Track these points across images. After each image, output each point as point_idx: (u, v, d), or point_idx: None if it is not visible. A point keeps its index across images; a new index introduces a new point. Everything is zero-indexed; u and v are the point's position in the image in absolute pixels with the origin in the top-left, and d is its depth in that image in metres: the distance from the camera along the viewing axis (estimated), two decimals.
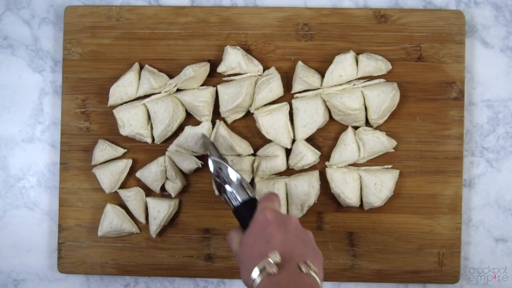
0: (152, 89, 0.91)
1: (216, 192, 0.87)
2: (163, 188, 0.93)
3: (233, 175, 0.81)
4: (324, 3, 0.96)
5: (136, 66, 0.93)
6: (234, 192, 0.79)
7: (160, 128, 0.90)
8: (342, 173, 0.90)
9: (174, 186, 0.91)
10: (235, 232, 0.75)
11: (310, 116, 0.90)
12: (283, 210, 0.91)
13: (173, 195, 0.92)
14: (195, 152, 0.91)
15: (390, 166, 0.92)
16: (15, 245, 0.97)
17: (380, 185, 0.89)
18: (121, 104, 0.92)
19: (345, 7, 0.95)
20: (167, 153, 0.92)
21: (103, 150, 0.92)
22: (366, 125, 0.92)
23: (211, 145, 0.87)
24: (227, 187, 0.80)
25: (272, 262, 0.66)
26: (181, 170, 0.92)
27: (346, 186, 0.89)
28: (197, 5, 0.96)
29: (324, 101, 0.90)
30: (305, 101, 0.90)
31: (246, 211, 0.77)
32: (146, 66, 0.93)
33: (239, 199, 0.79)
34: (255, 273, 0.66)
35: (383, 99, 0.89)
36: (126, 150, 0.94)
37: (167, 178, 0.92)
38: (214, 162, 0.83)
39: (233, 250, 0.74)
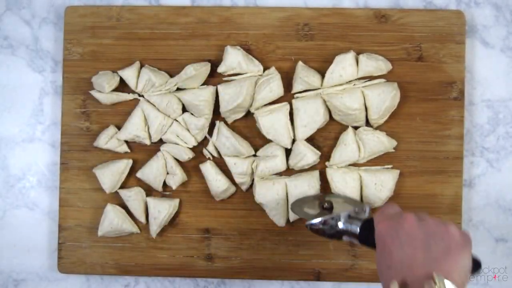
0: (153, 87, 0.91)
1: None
2: (164, 186, 0.93)
3: (339, 215, 0.79)
4: (325, 3, 0.96)
5: (137, 63, 0.93)
6: (348, 224, 0.77)
7: (155, 123, 0.91)
8: (342, 173, 0.90)
9: (174, 178, 0.92)
10: None
11: (310, 116, 0.90)
12: (283, 210, 0.91)
13: (174, 187, 0.92)
14: (187, 143, 0.92)
15: (390, 166, 0.92)
16: (15, 245, 0.97)
17: (380, 185, 0.89)
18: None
19: (345, 7, 0.95)
20: (162, 148, 0.92)
21: (110, 136, 0.92)
22: (366, 125, 0.92)
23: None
24: (340, 224, 0.78)
25: None
26: (179, 163, 0.93)
27: (346, 186, 0.89)
28: (198, 5, 0.96)
29: (324, 101, 0.90)
30: (306, 101, 0.90)
31: (370, 235, 0.71)
32: (146, 65, 0.93)
33: (356, 227, 0.76)
34: None
35: (384, 99, 0.89)
36: (128, 150, 0.94)
37: (167, 174, 0.92)
38: (322, 220, 0.80)
39: None
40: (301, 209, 0.86)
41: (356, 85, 0.90)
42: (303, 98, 0.91)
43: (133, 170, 0.94)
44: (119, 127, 0.93)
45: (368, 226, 0.74)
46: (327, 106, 0.91)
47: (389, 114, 0.91)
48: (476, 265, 0.68)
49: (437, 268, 0.60)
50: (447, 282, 0.59)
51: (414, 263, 0.62)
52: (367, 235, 0.74)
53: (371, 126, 0.92)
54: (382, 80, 0.91)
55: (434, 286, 0.58)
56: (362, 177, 0.90)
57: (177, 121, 0.92)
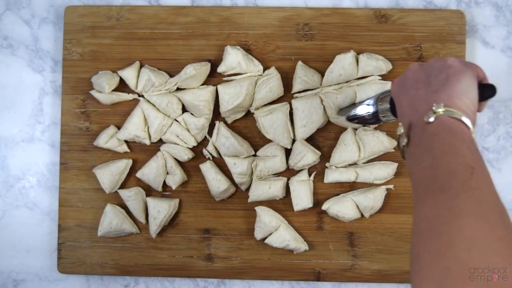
0: (153, 86, 0.91)
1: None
2: (164, 186, 0.93)
3: (367, 101, 0.83)
4: (325, 3, 0.96)
5: (137, 63, 0.93)
6: (377, 104, 0.80)
7: (155, 123, 0.91)
8: (339, 173, 0.90)
9: (174, 178, 0.92)
10: None
11: (310, 116, 0.90)
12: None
13: (173, 187, 0.92)
14: (187, 144, 0.92)
15: None
16: (15, 245, 0.97)
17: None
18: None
19: (345, 7, 0.95)
20: (161, 148, 0.93)
21: (110, 135, 0.92)
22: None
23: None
24: (373, 106, 0.82)
25: (401, 135, 0.61)
26: (179, 163, 0.93)
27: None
28: (198, 5, 0.96)
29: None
30: (305, 101, 0.90)
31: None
32: (146, 65, 0.93)
33: (387, 103, 0.78)
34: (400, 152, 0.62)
35: None
36: (128, 150, 0.94)
37: (167, 174, 0.92)
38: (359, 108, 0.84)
39: None
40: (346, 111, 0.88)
41: (350, 84, 0.90)
42: (303, 98, 0.91)
43: (133, 170, 0.94)
44: (119, 127, 0.93)
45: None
46: None
47: None
48: (490, 91, 0.66)
49: (437, 100, 0.59)
50: (445, 108, 0.58)
51: (417, 102, 0.61)
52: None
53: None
54: (377, 77, 0.91)
55: (433, 115, 0.58)
56: (358, 174, 0.90)
57: (177, 121, 0.92)
